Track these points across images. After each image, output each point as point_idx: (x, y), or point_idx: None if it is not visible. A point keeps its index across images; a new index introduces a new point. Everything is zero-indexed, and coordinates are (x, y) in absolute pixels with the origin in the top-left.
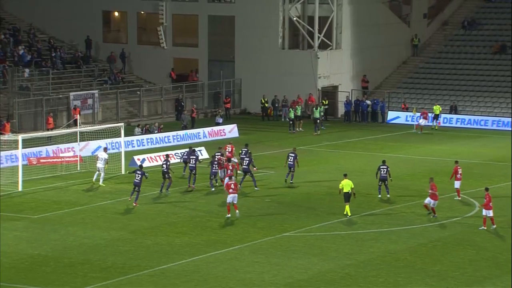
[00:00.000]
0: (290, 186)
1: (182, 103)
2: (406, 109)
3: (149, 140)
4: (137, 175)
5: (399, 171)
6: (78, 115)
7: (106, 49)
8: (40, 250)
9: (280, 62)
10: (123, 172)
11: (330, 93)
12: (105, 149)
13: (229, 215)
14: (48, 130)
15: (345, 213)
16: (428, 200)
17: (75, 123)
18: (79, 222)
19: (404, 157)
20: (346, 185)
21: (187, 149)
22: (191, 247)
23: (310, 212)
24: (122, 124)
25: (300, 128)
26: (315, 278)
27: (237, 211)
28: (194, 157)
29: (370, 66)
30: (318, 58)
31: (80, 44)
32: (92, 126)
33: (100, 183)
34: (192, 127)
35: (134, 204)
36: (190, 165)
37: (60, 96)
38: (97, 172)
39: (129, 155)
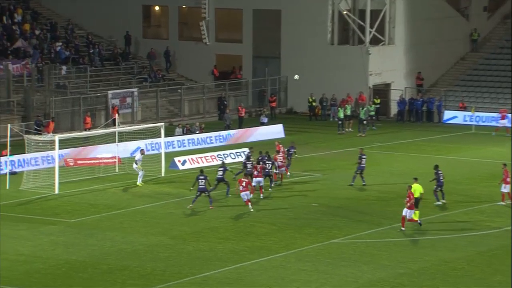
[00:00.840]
0: (350, 188)
1: (225, 102)
2: (464, 108)
3: (190, 141)
4: (200, 180)
5: (456, 174)
6: (116, 115)
7: (146, 45)
8: (77, 255)
9: (329, 58)
10: (163, 175)
11: (382, 91)
12: (142, 151)
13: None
14: (85, 130)
15: (417, 220)
16: (405, 211)
17: (113, 123)
18: (117, 226)
19: (461, 160)
20: (417, 189)
21: (246, 150)
22: (234, 254)
23: (360, 218)
24: (162, 124)
25: (350, 129)
26: (365, 287)
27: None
28: (203, 177)
29: (425, 63)
30: (370, 54)
31: (119, 40)
32: (131, 126)
33: (138, 182)
34: (240, 127)
35: (210, 208)
36: (199, 186)
37: (98, 94)
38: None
39: (169, 156)
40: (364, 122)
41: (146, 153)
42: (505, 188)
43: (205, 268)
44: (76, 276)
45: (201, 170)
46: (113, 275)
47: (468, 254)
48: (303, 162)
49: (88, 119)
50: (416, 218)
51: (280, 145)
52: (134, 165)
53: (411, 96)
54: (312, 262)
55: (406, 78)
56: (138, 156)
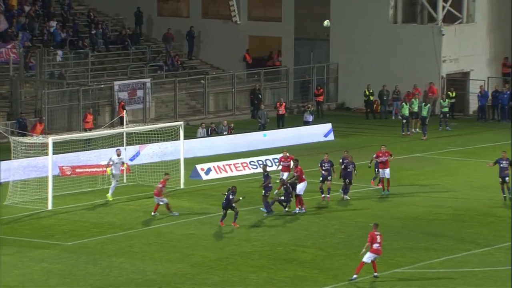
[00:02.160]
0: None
1: (260, 95)
2: None
3: (216, 144)
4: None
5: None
6: (124, 111)
7: (162, 25)
8: (75, 287)
9: (390, 41)
10: (182, 186)
11: (458, 82)
12: (118, 151)
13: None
14: (86, 130)
15: None
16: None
17: (121, 122)
18: (126, 251)
19: None
20: None
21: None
22: (272, 286)
23: (431, 241)
24: (182, 123)
25: (417, 129)
26: None
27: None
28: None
29: None
30: (443, 35)
31: (128, 18)
32: (142, 125)
33: (109, 194)
34: (279, 127)
35: (234, 225)
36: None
37: (102, 86)
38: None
39: (191, 163)
40: (427, 121)
41: (162, 159)
42: None
43: None
44: None
45: (233, 187)
46: None
47: None
48: (359, 171)
49: (89, 117)
50: None
51: (287, 155)
52: (117, 171)
53: (496, 88)
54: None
55: (489, 65)
56: (113, 157)
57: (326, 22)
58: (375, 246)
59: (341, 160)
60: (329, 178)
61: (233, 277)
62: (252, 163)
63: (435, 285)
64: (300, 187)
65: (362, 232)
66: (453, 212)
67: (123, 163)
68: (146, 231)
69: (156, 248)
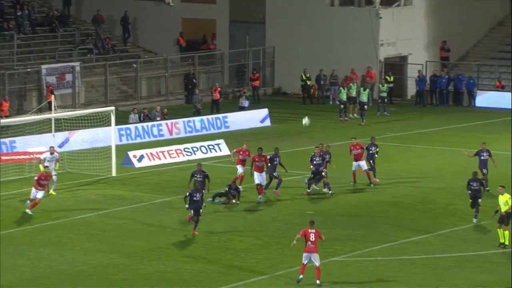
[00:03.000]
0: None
1: (194, 80)
2: (502, 88)
3: (149, 130)
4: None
5: (493, 173)
6: (52, 96)
7: (91, 6)
8: (2, 279)
9: (327, 24)
10: (114, 174)
11: (396, 66)
12: (52, 149)
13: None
14: (1, 118)
15: (502, 241)
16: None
17: (49, 107)
18: (55, 241)
19: (500, 154)
20: (504, 200)
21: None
22: (206, 276)
23: (370, 229)
24: (113, 108)
25: (355, 115)
26: None
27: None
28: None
29: (452, 30)
30: (381, 18)
31: None
32: (71, 111)
33: (51, 190)
34: (214, 113)
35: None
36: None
37: (29, 70)
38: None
39: (122, 150)
40: (366, 107)
41: (93, 145)
42: None
43: None
44: None
45: (199, 164)
46: None
47: (509, 276)
48: (295, 157)
49: (5, 105)
50: (506, 242)
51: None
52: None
53: (434, 73)
54: (306, 286)
55: (427, 49)
56: (46, 155)
57: (305, 121)
58: (308, 244)
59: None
60: (323, 173)
61: (166, 267)
62: (186, 149)
63: (372, 273)
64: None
65: (300, 220)
66: (392, 200)
67: (57, 160)
68: (77, 221)
69: (87, 238)
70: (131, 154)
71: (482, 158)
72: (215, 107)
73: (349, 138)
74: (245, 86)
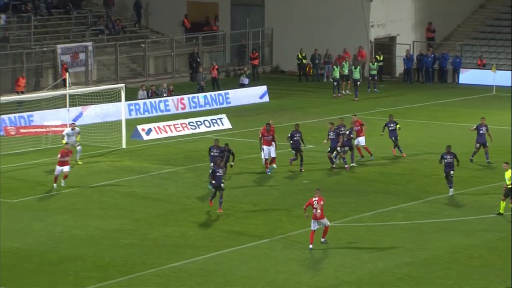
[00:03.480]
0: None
1: (198, 59)
2: (483, 66)
3: (156, 106)
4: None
5: (474, 145)
6: (67, 74)
7: None
8: (20, 243)
9: (321, 6)
10: (124, 146)
11: (385, 46)
12: (72, 125)
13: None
14: (17, 93)
15: (501, 211)
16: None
17: (63, 84)
18: (69, 208)
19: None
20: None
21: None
22: (209, 240)
23: (360, 197)
24: (123, 85)
25: (347, 91)
26: (365, 280)
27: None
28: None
29: (437, 11)
30: (371, 1)
31: None
32: (84, 87)
33: (78, 159)
34: (215, 89)
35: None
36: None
37: (45, 49)
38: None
39: (131, 124)
40: (358, 83)
41: (104, 119)
42: None
43: (175, 258)
44: (19, 267)
45: (216, 140)
46: (63, 266)
47: (488, 239)
48: (291, 130)
49: (22, 81)
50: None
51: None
52: (72, 140)
53: (420, 52)
54: (302, 249)
55: (414, 30)
56: (67, 130)
57: None
58: (314, 211)
59: (336, 129)
60: (338, 148)
61: (173, 232)
62: (191, 123)
63: (363, 238)
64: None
65: (295, 188)
66: (381, 170)
67: (77, 133)
68: (90, 189)
69: (99, 205)
70: (139, 127)
71: (481, 132)
72: (215, 84)
73: (342, 113)
74: (245, 65)
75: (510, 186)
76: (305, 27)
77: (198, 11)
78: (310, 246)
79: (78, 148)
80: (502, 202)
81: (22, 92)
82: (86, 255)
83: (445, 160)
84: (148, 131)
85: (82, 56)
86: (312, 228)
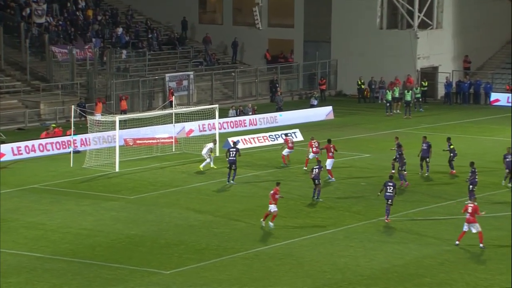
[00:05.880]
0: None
1: (277, 85)
2: (511, 91)
3: (243, 122)
4: (231, 152)
5: (500, 153)
6: (172, 97)
7: (202, 30)
8: (136, 230)
9: (378, 42)
10: (217, 154)
11: (429, 74)
12: (214, 141)
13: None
14: (121, 112)
15: None
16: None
17: (170, 105)
18: (174, 203)
19: (503, 140)
20: None
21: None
22: (286, 230)
23: (407, 197)
24: (217, 105)
25: (398, 111)
26: (412, 264)
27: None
28: (234, 149)
29: (472, 46)
30: (418, 38)
31: (176, 25)
32: (187, 107)
33: (206, 164)
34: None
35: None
36: (229, 158)
37: (156, 77)
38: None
39: (223, 137)
40: (410, 104)
41: (201, 133)
42: None
43: (257, 244)
44: (135, 250)
45: (234, 142)
46: (170, 249)
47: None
48: (352, 143)
49: (123, 103)
50: None
51: (314, 141)
52: (204, 152)
53: (459, 79)
54: (359, 239)
55: (453, 61)
56: (211, 145)
57: None
58: (466, 216)
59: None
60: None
61: (256, 223)
62: (270, 136)
63: (410, 230)
64: (328, 162)
65: (356, 189)
66: (424, 175)
67: (211, 149)
68: (190, 188)
69: (197, 201)
70: (229, 139)
71: (507, 160)
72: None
73: (393, 129)
74: (315, 89)
75: None
76: (364, 58)
77: (277, 47)
78: (457, 242)
79: (210, 158)
80: None
81: (125, 111)
82: (188, 241)
83: (388, 190)
84: (237, 142)
85: (185, 82)
86: (464, 229)
